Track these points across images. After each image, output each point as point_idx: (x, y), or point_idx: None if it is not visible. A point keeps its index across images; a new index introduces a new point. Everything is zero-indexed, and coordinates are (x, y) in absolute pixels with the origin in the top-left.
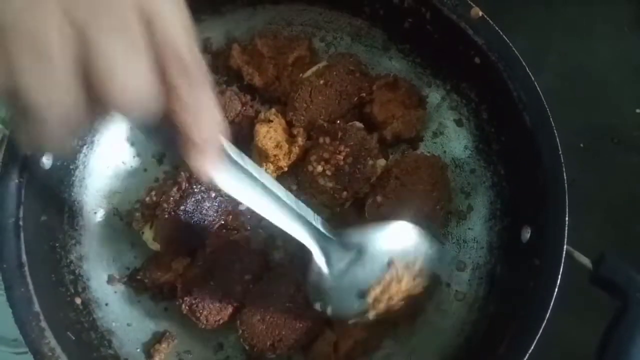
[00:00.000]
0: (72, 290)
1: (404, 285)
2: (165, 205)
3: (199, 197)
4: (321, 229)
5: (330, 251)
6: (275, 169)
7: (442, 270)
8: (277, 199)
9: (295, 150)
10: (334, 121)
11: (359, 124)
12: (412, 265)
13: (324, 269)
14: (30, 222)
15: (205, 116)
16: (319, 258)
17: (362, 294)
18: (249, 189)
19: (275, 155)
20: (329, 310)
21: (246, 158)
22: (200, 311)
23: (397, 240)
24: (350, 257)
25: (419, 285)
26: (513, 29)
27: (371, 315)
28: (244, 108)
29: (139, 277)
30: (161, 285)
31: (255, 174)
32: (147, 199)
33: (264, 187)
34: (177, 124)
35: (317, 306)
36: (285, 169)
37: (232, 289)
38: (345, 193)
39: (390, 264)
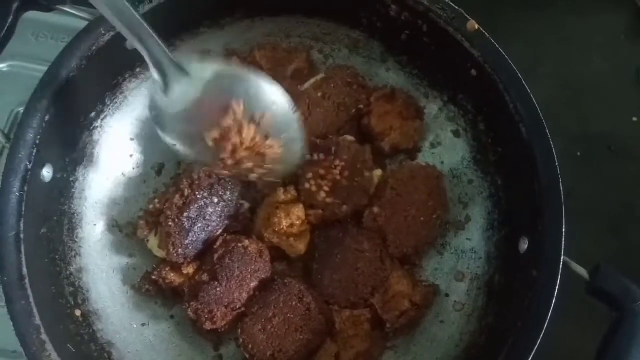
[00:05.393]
0: (72, 303)
1: (246, 138)
2: (168, 212)
3: (202, 203)
4: (165, 50)
5: (172, 80)
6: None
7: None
8: (127, 9)
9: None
10: (333, 133)
11: (350, 137)
12: (259, 118)
13: (159, 91)
14: (30, 235)
15: None
16: (155, 78)
17: (202, 136)
18: None
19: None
20: (177, 147)
21: None
22: (206, 316)
23: (244, 87)
24: (192, 93)
25: (273, 147)
26: (510, 39)
27: (219, 167)
28: None
29: (153, 277)
30: (174, 288)
31: None
32: (151, 207)
33: None
34: None
35: (165, 138)
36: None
37: (238, 295)
38: (345, 207)
39: (229, 108)
